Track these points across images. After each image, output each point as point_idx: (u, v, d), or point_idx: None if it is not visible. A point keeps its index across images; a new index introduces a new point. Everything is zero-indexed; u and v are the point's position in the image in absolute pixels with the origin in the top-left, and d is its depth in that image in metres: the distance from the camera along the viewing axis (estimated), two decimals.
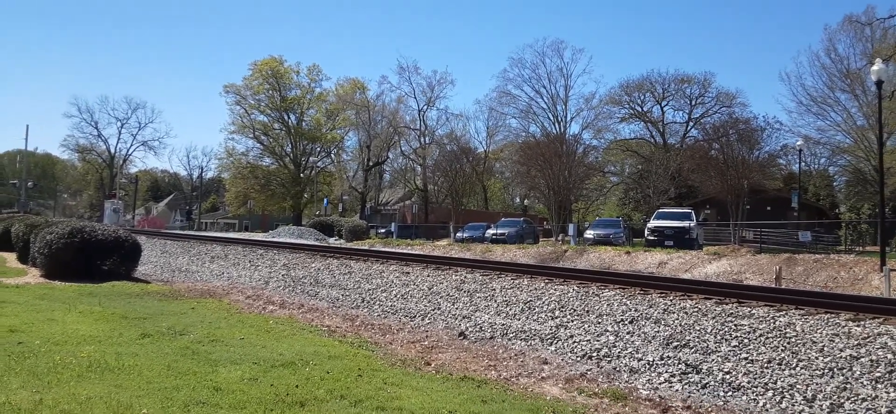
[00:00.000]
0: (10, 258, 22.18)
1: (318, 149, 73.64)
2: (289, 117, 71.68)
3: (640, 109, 61.31)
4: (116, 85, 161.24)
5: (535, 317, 10.72)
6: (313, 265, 17.68)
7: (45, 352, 7.26)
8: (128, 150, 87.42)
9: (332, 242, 39.70)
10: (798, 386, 7.08)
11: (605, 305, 10.36)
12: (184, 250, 24.10)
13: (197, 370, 6.81)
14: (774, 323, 8.50)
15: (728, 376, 7.57)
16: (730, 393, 7.30)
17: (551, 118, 61.20)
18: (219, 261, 21.16)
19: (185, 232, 45.37)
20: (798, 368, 7.39)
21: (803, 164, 44.59)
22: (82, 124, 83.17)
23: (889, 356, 7.16)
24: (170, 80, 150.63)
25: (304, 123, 72.13)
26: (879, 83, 20.68)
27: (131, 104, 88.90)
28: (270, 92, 70.30)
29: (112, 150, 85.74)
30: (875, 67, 20.44)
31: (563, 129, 59.42)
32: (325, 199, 68.57)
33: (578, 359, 8.91)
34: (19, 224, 23.19)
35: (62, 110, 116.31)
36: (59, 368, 6.56)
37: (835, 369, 7.19)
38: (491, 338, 10.33)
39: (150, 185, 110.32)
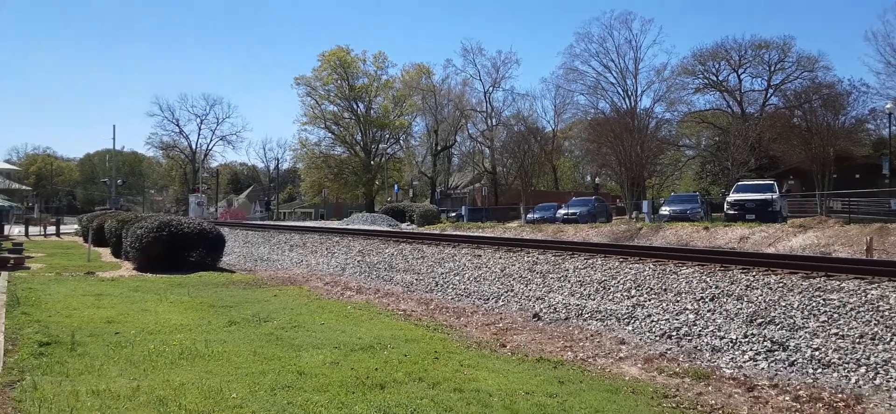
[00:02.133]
0: (105, 253, 23.54)
1: (387, 135, 74.59)
2: (357, 106, 72.86)
3: (715, 79, 58.87)
4: (194, 82, 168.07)
5: (610, 296, 10.58)
6: (387, 251, 17.99)
7: (140, 341, 7.70)
8: (208, 145, 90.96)
9: (405, 227, 40.22)
10: (893, 361, 6.73)
11: (683, 283, 10.11)
12: (264, 240, 24.96)
13: (281, 355, 7.08)
14: (866, 296, 8.09)
15: (817, 353, 7.27)
16: (819, 370, 7.02)
17: (621, 93, 59.69)
18: (297, 249, 21.80)
19: (265, 222, 46.92)
20: (893, 343, 7.02)
21: (894, 127, 41.86)
22: (164, 122, 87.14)
23: None
24: (243, 75, 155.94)
25: (372, 111, 73.16)
26: None
27: (209, 101, 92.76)
28: (339, 82, 71.59)
29: (193, 146, 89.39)
30: None
31: (633, 104, 57.85)
32: (396, 186, 69.49)
33: (657, 338, 8.75)
34: (111, 220, 24.54)
35: (145, 109, 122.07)
36: (153, 356, 6.95)
37: None
38: (566, 319, 10.27)
39: (231, 178, 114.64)
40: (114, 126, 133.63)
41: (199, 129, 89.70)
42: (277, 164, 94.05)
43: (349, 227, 33.42)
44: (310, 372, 6.36)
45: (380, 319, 9.94)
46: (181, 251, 17.42)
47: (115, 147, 71.93)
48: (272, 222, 49.06)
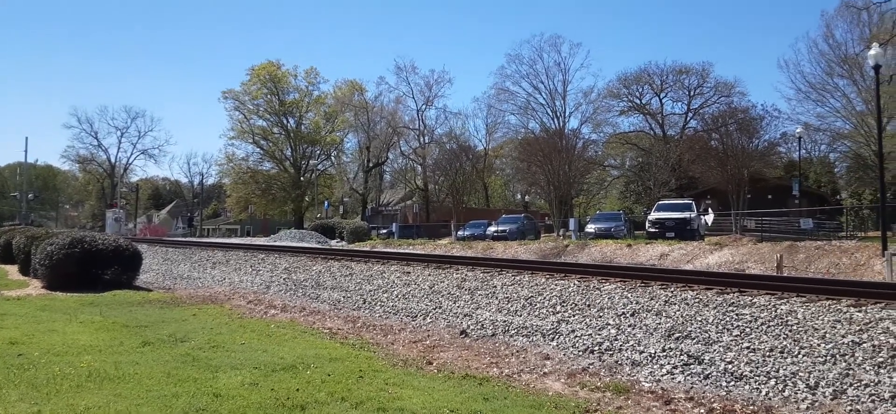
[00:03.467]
0: (12, 271, 22.19)
1: (318, 151, 73.74)
2: (288, 121, 71.77)
3: (638, 102, 61.13)
4: (115, 94, 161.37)
5: (536, 313, 10.69)
6: (314, 268, 17.67)
7: (45, 363, 7.24)
8: (128, 159, 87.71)
9: (334, 244, 39.70)
10: (800, 374, 7.05)
11: (606, 299, 10.33)
12: (185, 257, 24.10)
13: (197, 377, 6.79)
14: (776, 311, 8.47)
15: (730, 366, 7.54)
16: (732, 383, 7.27)
17: (550, 113, 61.18)
18: (220, 266, 21.15)
19: (187, 239, 45.40)
20: (800, 356, 7.36)
21: (803, 151, 44.47)
22: (82, 135, 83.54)
23: (891, 341, 7.13)
24: (168, 87, 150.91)
25: (303, 127, 72.23)
26: (877, 68, 20.63)
27: (130, 113, 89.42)
28: (269, 96, 70.41)
29: (112, 160, 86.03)
30: (872, 52, 20.38)
31: (562, 124, 59.39)
32: (326, 202, 68.66)
33: (580, 353, 8.88)
34: (20, 236, 23.19)
35: (62, 121, 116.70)
36: (58, 379, 6.54)
37: (837, 356, 7.16)
38: (493, 335, 10.31)
39: (152, 194, 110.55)
40: (26, 138, 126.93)
41: (120, 142, 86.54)
42: (202, 179, 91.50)
43: (276, 243, 32.70)
44: (226, 394, 6.11)
45: (304, 338, 9.71)
46: (95, 269, 16.60)
47: (28, 160, 68.26)
48: (195, 239, 47.51)
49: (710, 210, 29.94)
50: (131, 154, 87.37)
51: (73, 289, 15.64)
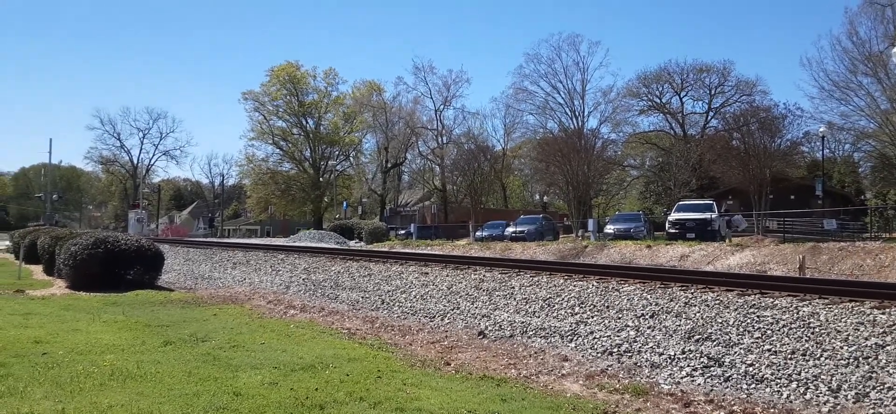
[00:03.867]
0: (37, 270, 22.59)
1: (337, 152, 74.08)
2: (307, 122, 72.21)
3: (658, 101, 60.60)
4: (137, 96, 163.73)
5: (554, 314, 10.66)
6: (333, 268, 17.77)
7: (69, 362, 7.37)
8: (150, 161, 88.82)
9: (353, 244, 39.88)
10: (823, 376, 6.96)
11: (625, 300, 10.27)
12: (206, 257, 24.35)
13: (217, 376, 6.87)
14: (798, 313, 8.37)
15: (751, 369, 7.46)
16: (753, 385, 7.20)
17: (569, 113, 60.86)
18: (241, 267, 21.34)
19: (208, 239, 45.85)
20: (822, 359, 7.27)
21: (827, 150, 43.89)
22: (105, 136, 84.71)
23: None
24: (189, 89, 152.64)
25: (322, 127, 72.60)
26: None
27: (152, 115, 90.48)
28: (288, 97, 70.87)
29: (135, 161, 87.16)
30: None
31: (580, 124, 59.04)
32: (345, 203, 68.97)
33: (599, 355, 8.85)
34: (44, 237, 23.59)
35: (85, 123, 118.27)
36: (81, 377, 6.65)
37: (860, 358, 7.06)
38: (510, 336, 10.30)
39: (173, 194, 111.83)
40: (50, 139, 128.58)
41: (142, 143, 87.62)
42: (223, 179, 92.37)
43: (295, 244, 32.91)
44: (246, 393, 6.18)
45: (323, 338, 9.77)
46: (117, 269, 16.85)
47: (52, 161, 69.30)
48: (215, 239, 47.98)
49: (741, 216, 29.55)
50: (153, 155, 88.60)
51: (97, 289, 15.88)
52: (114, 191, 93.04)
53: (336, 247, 30.94)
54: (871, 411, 6.27)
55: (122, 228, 62.49)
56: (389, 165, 69.71)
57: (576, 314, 10.37)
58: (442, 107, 66.66)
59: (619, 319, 9.72)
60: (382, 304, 13.79)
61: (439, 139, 67.26)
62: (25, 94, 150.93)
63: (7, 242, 43.29)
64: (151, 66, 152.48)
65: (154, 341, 8.91)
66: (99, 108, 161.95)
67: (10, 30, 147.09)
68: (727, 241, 26.23)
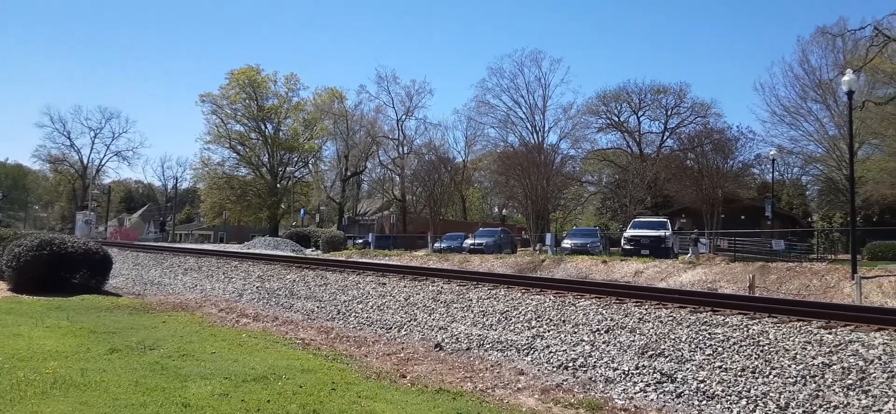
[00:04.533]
0: None
1: (296, 159, 73.18)
2: (266, 127, 71.17)
3: (616, 119, 61.77)
4: (90, 94, 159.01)
5: (511, 327, 10.68)
6: (288, 277, 17.50)
7: (9, 369, 7.06)
8: (101, 161, 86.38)
9: (309, 253, 39.38)
10: (771, 394, 7.11)
11: (581, 315, 10.35)
12: (156, 262, 23.73)
13: (166, 386, 6.66)
14: (748, 331, 8.55)
15: (702, 385, 7.58)
16: (704, 402, 7.32)
17: (529, 128, 61.46)
18: (192, 273, 20.85)
19: (159, 244, 44.74)
20: (771, 376, 7.43)
21: (777, 173, 45.17)
22: (54, 134, 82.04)
23: (860, 363, 7.23)
24: (144, 89, 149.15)
25: (281, 133, 71.63)
26: (850, 93, 21.04)
27: (105, 114, 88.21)
28: (247, 101, 69.76)
29: (85, 161, 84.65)
30: (846, 78, 20.78)
31: (541, 139, 59.68)
32: (302, 210, 68.09)
33: (555, 369, 8.88)
34: None
35: (34, 120, 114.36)
36: (22, 385, 6.37)
37: (807, 377, 7.24)
38: (467, 349, 10.27)
39: (124, 197, 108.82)
40: None
41: (93, 143, 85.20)
42: (176, 183, 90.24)
43: (250, 251, 32.34)
44: (196, 404, 6.00)
45: (276, 349, 9.58)
46: (63, 272, 16.27)
47: None
48: (167, 244, 46.83)
49: (701, 238, 30.16)
50: (104, 155, 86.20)
51: (41, 292, 15.30)
52: (62, 191, 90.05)
53: (292, 255, 30.50)
54: None
55: (69, 230, 60.53)
56: (349, 174, 69.22)
57: (533, 328, 10.40)
58: (404, 117, 66.60)
59: (575, 333, 9.79)
60: (338, 314, 13.62)
61: (400, 149, 67.09)
62: None
63: None
64: (105, 64, 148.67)
65: (100, 348, 8.61)
66: (49, 105, 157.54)
67: None
68: (679, 258, 26.77)
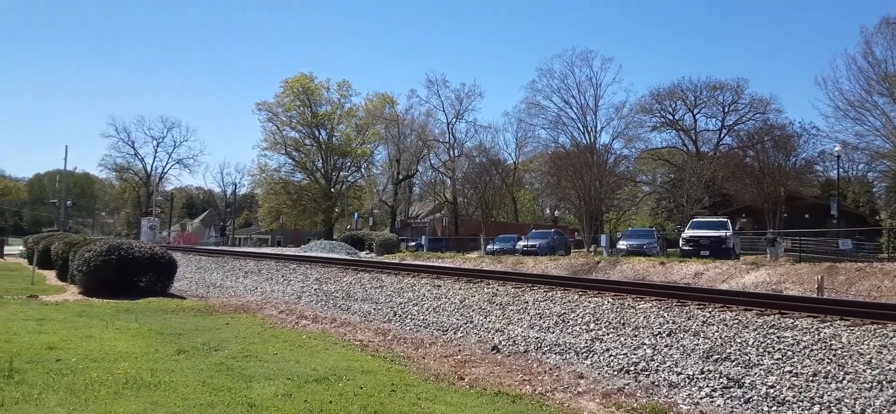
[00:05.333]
0: (50, 276, 22.67)
1: (349, 163, 74.22)
2: (319, 133, 72.40)
3: (671, 118, 60.34)
4: (152, 105, 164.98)
5: (569, 330, 10.55)
6: (345, 279, 17.71)
7: (83, 369, 7.34)
8: (163, 169, 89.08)
9: (363, 255, 39.83)
10: (846, 400, 6.82)
11: (641, 318, 10.14)
12: (218, 266, 24.38)
13: (231, 386, 6.81)
14: (819, 335, 8.22)
15: (772, 390, 7.33)
16: (774, 407, 7.07)
17: (581, 128, 60.61)
18: (252, 276, 21.33)
19: (220, 248, 45.95)
20: (845, 382, 7.13)
21: (842, 170, 43.55)
22: (119, 144, 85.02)
23: None
24: (204, 99, 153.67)
25: (334, 139, 72.78)
26: None
27: (166, 123, 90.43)
28: (301, 108, 71.13)
29: (148, 169, 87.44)
30: None
31: (593, 139, 58.77)
32: (356, 214, 68.98)
33: (615, 373, 8.73)
34: (58, 242, 23.68)
35: (100, 130, 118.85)
36: (95, 385, 6.62)
37: (884, 382, 6.91)
38: (524, 352, 10.19)
39: (186, 202, 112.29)
40: (65, 146, 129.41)
41: (155, 151, 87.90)
42: (235, 188, 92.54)
43: (307, 254, 32.90)
44: (261, 404, 6.12)
45: (336, 350, 9.71)
46: (130, 276, 16.87)
47: (67, 167, 69.72)
48: (227, 248, 48.07)
49: (777, 238, 29.08)
50: (166, 163, 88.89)
51: (109, 295, 15.89)
52: (127, 198, 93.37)
53: (347, 257, 30.90)
54: None
55: (135, 235, 62.77)
56: (401, 177, 69.72)
57: (591, 331, 10.25)
58: (454, 120, 66.72)
59: (636, 336, 9.59)
60: (394, 316, 13.71)
61: (451, 152, 67.22)
62: (42, 100, 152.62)
63: (21, 248, 43.56)
64: (167, 75, 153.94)
65: (167, 350, 8.88)
66: (114, 115, 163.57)
67: (29, 36, 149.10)
68: (741, 259, 25.98)
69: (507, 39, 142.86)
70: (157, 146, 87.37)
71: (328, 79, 73.17)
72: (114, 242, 18.38)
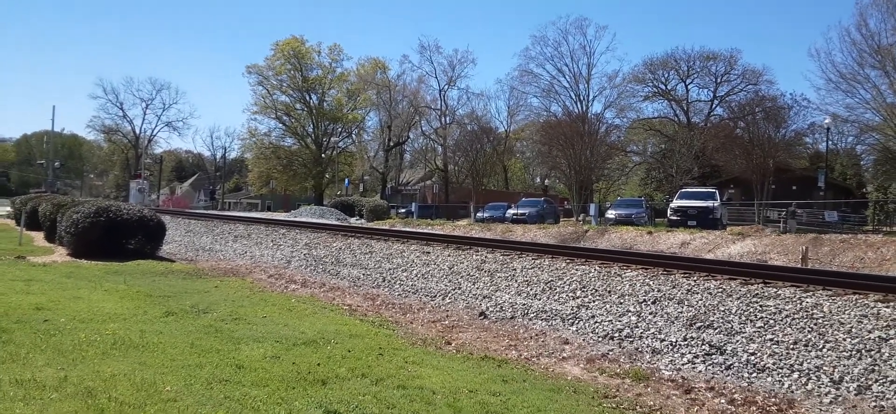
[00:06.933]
0: (38, 237, 22.59)
1: (340, 129, 73.87)
2: (310, 98, 71.91)
3: (663, 87, 60.27)
4: (141, 66, 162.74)
5: (556, 297, 10.66)
6: (335, 245, 17.76)
7: (71, 329, 7.36)
8: (152, 131, 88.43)
9: (354, 221, 39.88)
10: (825, 367, 6.96)
11: (627, 286, 10.26)
12: (207, 230, 24.35)
13: (220, 348, 6.87)
14: (801, 304, 8.35)
15: (753, 357, 7.46)
16: (754, 374, 7.20)
17: (573, 97, 60.48)
18: (242, 240, 21.34)
19: (209, 212, 45.85)
20: (825, 350, 7.26)
21: (831, 143, 43.73)
22: (108, 105, 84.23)
23: None
24: (193, 61, 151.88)
25: (325, 104, 72.33)
26: None
27: (156, 85, 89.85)
28: (292, 72, 70.52)
29: (137, 131, 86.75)
30: None
31: (585, 109, 58.72)
32: (347, 180, 68.87)
33: (600, 339, 8.85)
34: (46, 204, 23.56)
35: (88, 91, 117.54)
36: (83, 345, 6.65)
37: (863, 351, 7.05)
38: (511, 318, 10.30)
39: (175, 166, 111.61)
40: (53, 107, 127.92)
41: (144, 113, 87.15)
42: (224, 152, 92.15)
43: (296, 219, 32.89)
44: (249, 366, 6.18)
45: (324, 314, 9.78)
46: (119, 238, 16.85)
47: (54, 129, 69.14)
48: (216, 212, 47.96)
49: (798, 210, 28.65)
50: (156, 126, 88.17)
51: (98, 257, 15.88)
52: (115, 160, 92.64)
53: (337, 223, 30.93)
54: (873, 404, 6.27)
55: (123, 198, 62.48)
56: (392, 144, 69.52)
57: (577, 298, 10.36)
58: (446, 87, 66.43)
59: (621, 304, 9.71)
60: (383, 281, 13.79)
61: (442, 119, 67.04)
62: (29, 60, 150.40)
63: (8, 209, 43.33)
64: (156, 36, 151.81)
65: (156, 311, 8.92)
66: (102, 77, 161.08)
67: None
68: (727, 229, 26.20)
69: (501, 5, 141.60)
70: (146, 108, 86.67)
71: (319, 42, 72.71)
72: (102, 203, 18.33)
